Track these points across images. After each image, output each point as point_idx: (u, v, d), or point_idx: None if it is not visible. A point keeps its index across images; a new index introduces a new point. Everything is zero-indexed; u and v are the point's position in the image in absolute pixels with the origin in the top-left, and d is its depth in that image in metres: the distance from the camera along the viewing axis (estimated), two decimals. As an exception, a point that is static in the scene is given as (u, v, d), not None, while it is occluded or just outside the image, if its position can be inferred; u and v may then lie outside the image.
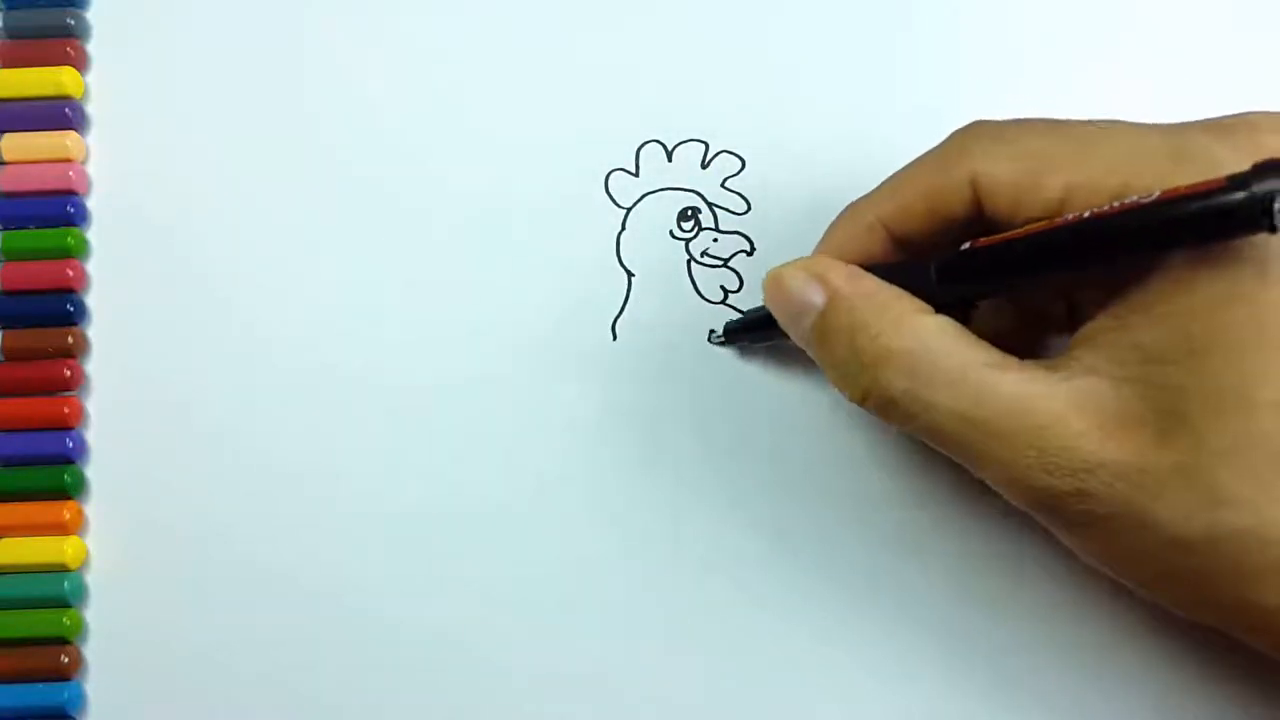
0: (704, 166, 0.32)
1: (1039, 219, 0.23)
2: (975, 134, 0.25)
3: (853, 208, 0.27)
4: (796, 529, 0.30)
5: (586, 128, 0.32)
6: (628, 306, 0.31)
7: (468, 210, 0.32)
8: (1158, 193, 0.21)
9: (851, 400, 0.25)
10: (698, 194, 0.32)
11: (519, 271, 0.31)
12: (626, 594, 0.30)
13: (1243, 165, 0.20)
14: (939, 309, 0.24)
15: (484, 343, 0.31)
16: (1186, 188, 0.20)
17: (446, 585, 0.30)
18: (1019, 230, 0.23)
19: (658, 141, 0.32)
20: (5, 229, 0.32)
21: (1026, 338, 0.28)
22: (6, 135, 0.32)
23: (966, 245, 0.24)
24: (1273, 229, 0.19)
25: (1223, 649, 0.28)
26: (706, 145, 0.32)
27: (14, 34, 0.33)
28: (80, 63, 0.33)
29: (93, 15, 0.33)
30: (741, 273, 0.31)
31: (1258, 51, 0.32)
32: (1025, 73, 0.32)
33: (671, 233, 0.32)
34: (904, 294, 0.25)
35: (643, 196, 0.32)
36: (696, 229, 0.31)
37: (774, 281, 0.26)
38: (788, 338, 0.27)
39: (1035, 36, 0.32)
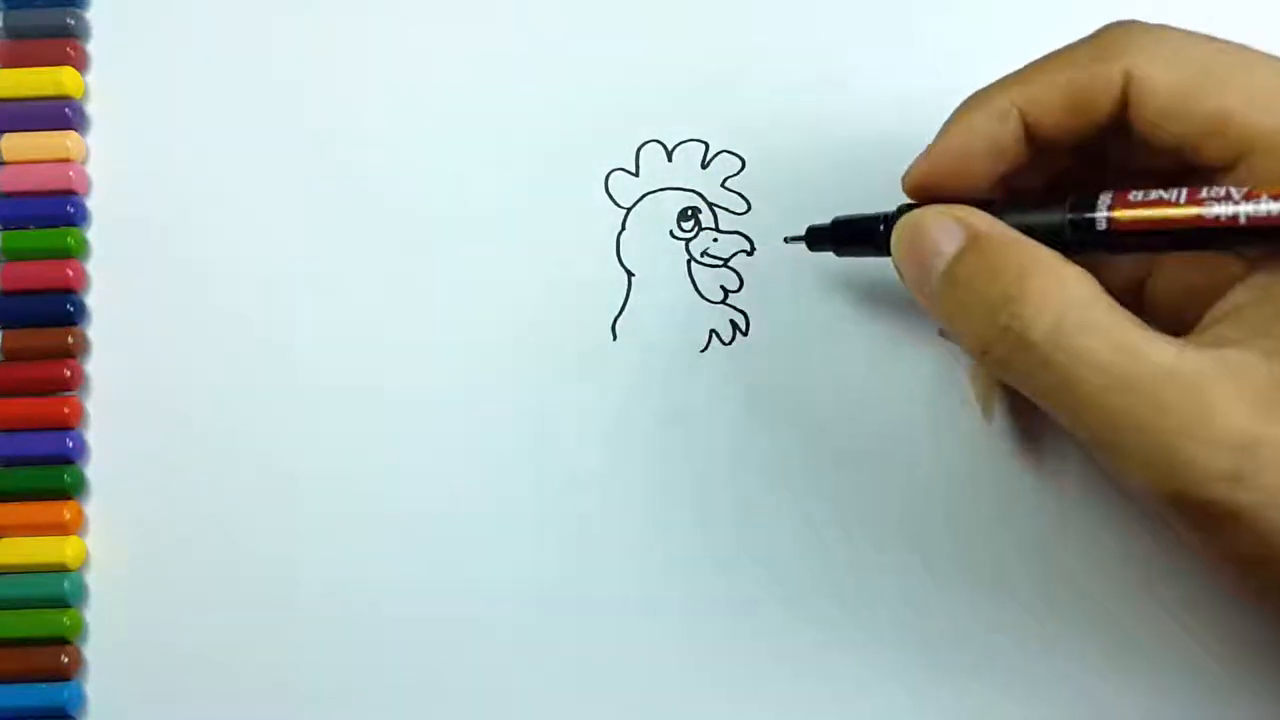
0: (704, 166, 0.32)
1: (1185, 139, 0.22)
2: (1134, 31, 0.23)
3: (983, 93, 0.25)
4: (796, 528, 0.30)
5: (586, 128, 0.32)
6: (628, 306, 0.31)
7: (468, 210, 0.32)
8: None
9: (977, 347, 0.23)
10: (698, 194, 0.32)
11: (519, 271, 0.31)
12: (625, 593, 0.30)
13: None
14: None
15: (484, 342, 0.31)
16: None
17: (447, 585, 0.30)
18: (1160, 216, 0.22)
19: (658, 141, 0.32)
20: (5, 229, 0.32)
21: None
22: (6, 135, 0.32)
23: (1105, 199, 0.23)
24: None
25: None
26: (706, 145, 0.32)
27: (14, 34, 0.33)
28: (80, 63, 0.33)
29: (93, 15, 0.33)
30: (741, 273, 0.31)
31: None
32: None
33: (671, 233, 0.32)
34: (1044, 246, 0.23)
35: (643, 196, 0.32)
36: (696, 229, 0.31)
37: (911, 225, 0.25)
38: (880, 253, 0.26)
39: (1034, 35, 0.32)
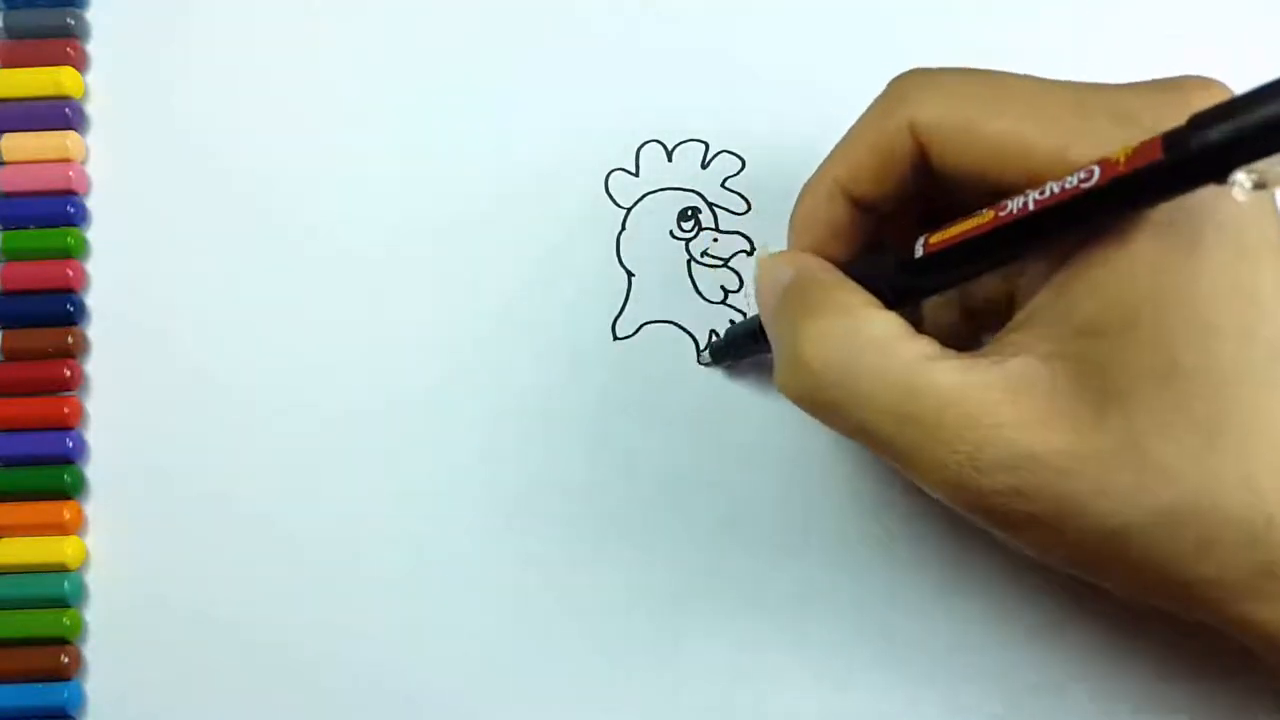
0: (704, 166, 0.32)
1: (978, 167, 0.23)
2: (911, 81, 0.24)
3: (810, 180, 0.26)
4: (796, 528, 0.30)
5: (586, 128, 0.32)
6: (628, 306, 0.31)
7: (468, 210, 0.32)
8: (1097, 172, 0.20)
9: (780, 387, 0.24)
10: (698, 194, 0.32)
11: (519, 271, 0.31)
12: (623, 592, 0.30)
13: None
14: (902, 307, 0.24)
15: (484, 342, 0.31)
16: (1125, 159, 0.19)
17: (447, 585, 0.30)
18: (966, 228, 0.23)
19: (658, 141, 0.32)
20: (5, 229, 0.32)
21: (974, 330, 0.28)
22: (6, 135, 0.32)
23: (923, 236, 0.24)
24: (1222, 179, 0.18)
25: (1181, 635, 0.29)
26: (706, 145, 0.32)
27: (14, 34, 0.33)
28: (80, 63, 0.33)
29: (93, 15, 0.33)
30: (741, 273, 0.31)
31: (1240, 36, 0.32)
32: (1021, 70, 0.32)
33: (671, 233, 0.32)
34: (859, 289, 0.24)
35: (643, 196, 0.32)
36: (696, 229, 0.31)
37: (761, 263, 0.26)
38: (765, 350, 0.27)
39: (1031, 34, 0.32)
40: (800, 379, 0.23)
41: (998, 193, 0.22)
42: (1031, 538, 0.22)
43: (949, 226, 0.23)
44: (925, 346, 0.22)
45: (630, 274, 0.31)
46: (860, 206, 0.25)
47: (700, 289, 0.31)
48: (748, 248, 0.31)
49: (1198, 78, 0.22)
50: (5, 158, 0.32)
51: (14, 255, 0.32)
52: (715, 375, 0.31)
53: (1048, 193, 0.21)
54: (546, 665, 0.30)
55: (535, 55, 0.33)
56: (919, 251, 0.24)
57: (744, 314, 0.31)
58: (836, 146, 0.26)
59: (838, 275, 0.24)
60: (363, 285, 0.32)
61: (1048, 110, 0.22)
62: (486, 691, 0.30)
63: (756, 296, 0.26)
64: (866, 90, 0.32)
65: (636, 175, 0.32)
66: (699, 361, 0.31)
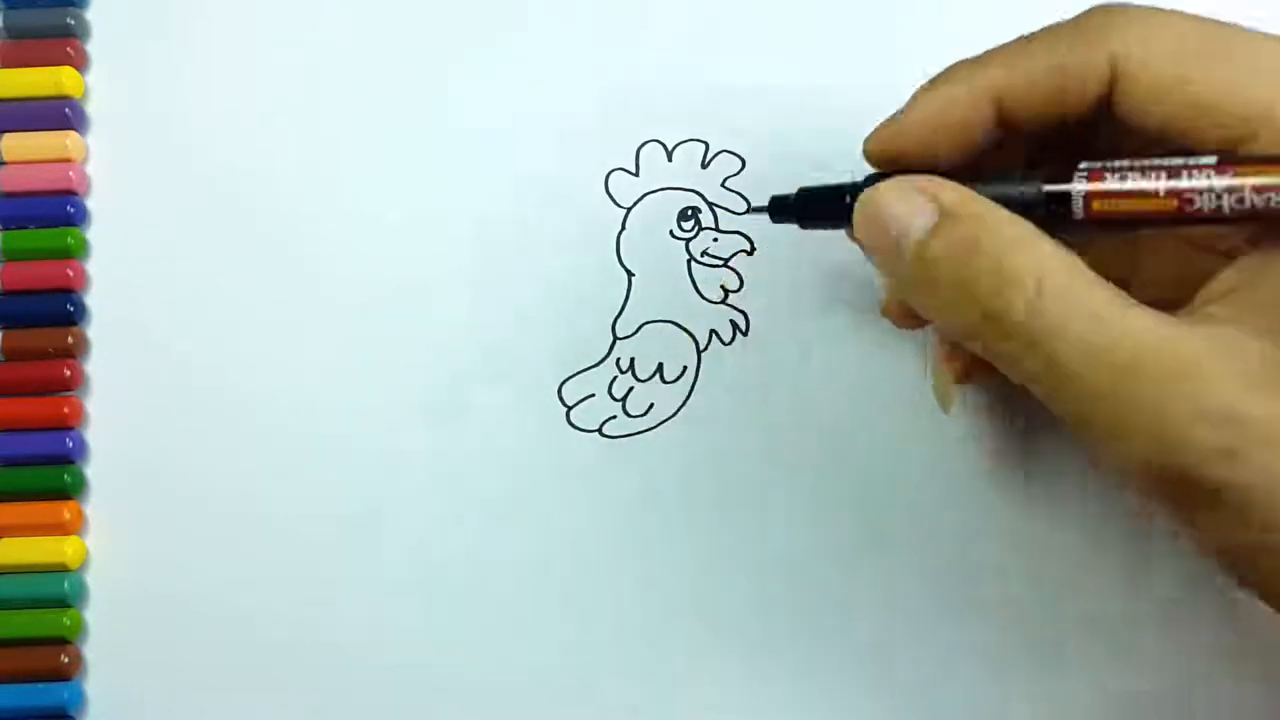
0: (704, 166, 0.32)
1: (1174, 117, 0.21)
2: (1121, 11, 0.22)
3: (959, 70, 0.24)
4: (795, 528, 0.30)
5: (586, 128, 0.32)
6: (628, 306, 0.31)
7: (467, 210, 0.32)
8: None
9: (956, 333, 0.22)
10: (698, 194, 0.32)
11: (519, 271, 0.31)
12: (622, 593, 0.30)
13: None
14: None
15: (484, 342, 0.31)
16: None
17: (446, 583, 0.30)
18: (1140, 207, 0.21)
19: (658, 141, 0.32)
20: (5, 229, 0.32)
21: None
22: (6, 135, 0.32)
23: (1081, 183, 0.22)
24: None
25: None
26: (706, 145, 0.32)
27: (14, 34, 0.33)
28: (80, 63, 0.33)
29: (93, 15, 0.33)
30: (741, 272, 0.31)
31: None
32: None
33: (671, 233, 0.32)
34: (1021, 219, 0.22)
35: (643, 196, 0.32)
36: (696, 229, 0.31)
37: (872, 201, 0.23)
38: (842, 225, 0.25)
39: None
40: (995, 318, 0.21)
41: (1177, 142, 0.21)
42: (1225, 516, 0.20)
43: (1116, 195, 0.21)
44: (1114, 289, 0.21)
45: (630, 274, 0.31)
46: (1003, 121, 0.23)
47: (700, 289, 0.31)
48: (748, 248, 0.31)
49: None
50: (5, 158, 0.32)
51: (14, 255, 0.32)
52: (716, 376, 0.31)
53: (1246, 204, 0.20)
54: (546, 666, 0.30)
55: (535, 55, 0.33)
56: (1078, 211, 0.22)
57: (744, 314, 0.31)
58: (1002, 49, 0.23)
59: (994, 205, 0.22)
60: (363, 284, 0.32)
61: (1260, 68, 0.21)
62: (486, 692, 0.30)
63: (872, 239, 0.23)
64: (867, 90, 0.32)
65: (636, 175, 0.32)
66: (749, 209, 0.29)
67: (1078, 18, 0.23)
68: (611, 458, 0.31)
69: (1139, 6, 0.22)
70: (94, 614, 0.31)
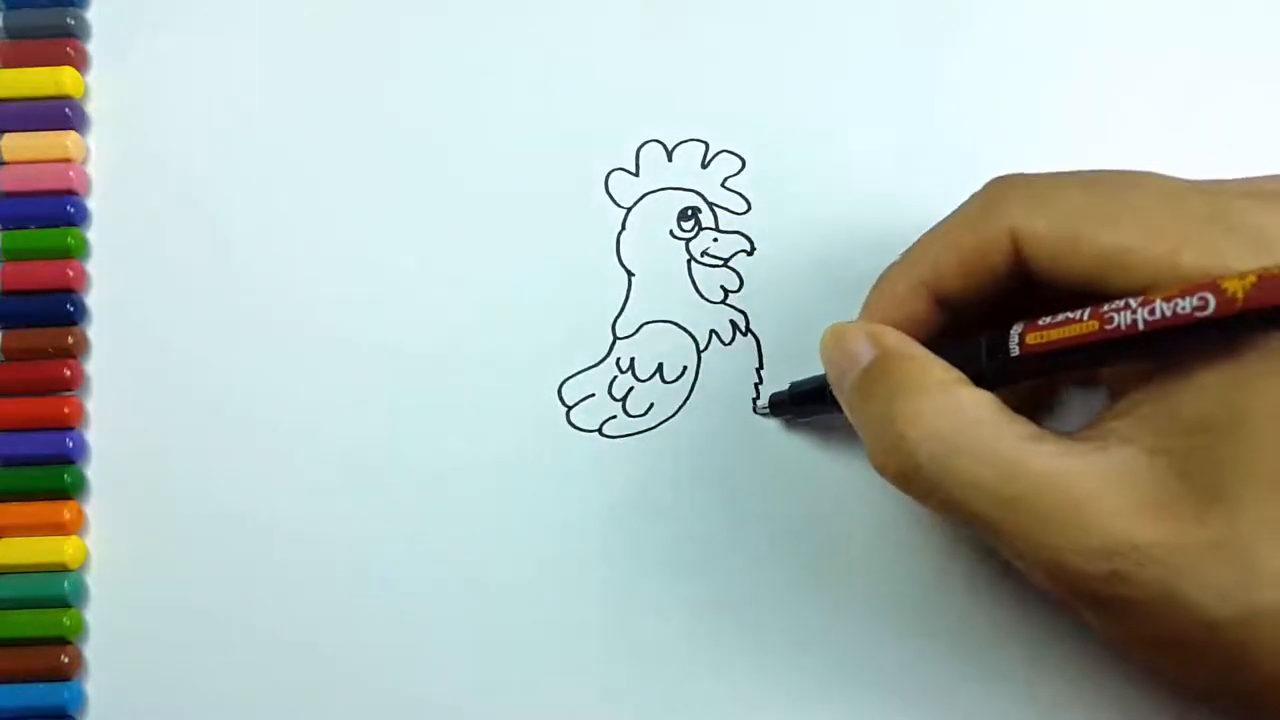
0: (704, 166, 0.32)
1: (1082, 276, 0.23)
2: (1011, 187, 0.24)
3: (890, 272, 0.26)
4: (795, 528, 0.30)
5: (586, 128, 0.32)
6: (628, 306, 0.31)
7: (467, 210, 0.32)
8: (1212, 302, 0.20)
9: (877, 466, 0.24)
10: (698, 194, 0.32)
11: (519, 271, 0.31)
12: (621, 594, 0.30)
13: None
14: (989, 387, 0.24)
15: (484, 342, 0.31)
16: (1244, 294, 0.20)
17: (446, 583, 0.30)
18: (1068, 334, 0.23)
19: (658, 141, 0.32)
20: (5, 229, 0.32)
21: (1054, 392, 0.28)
22: (6, 135, 0.32)
23: (1017, 328, 0.24)
24: None
25: None
26: (706, 145, 0.32)
27: (14, 34, 0.33)
28: (80, 63, 0.33)
29: (93, 15, 0.33)
30: (741, 273, 0.31)
31: None
32: (1022, 74, 0.32)
33: (671, 233, 0.32)
34: (949, 366, 0.24)
35: (643, 196, 0.32)
36: (696, 229, 0.31)
37: (833, 334, 0.26)
38: (831, 410, 0.27)
39: (1029, 34, 0.32)
40: (900, 458, 0.23)
41: (1097, 296, 0.22)
42: (1121, 622, 0.22)
43: (1046, 327, 0.23)
44: (1024, 427, 0.23)
45: (630, 274, 0.31)
46: (943, 304, 0.25)
47: (700, 289, 0.31)
48: (748, 248, 0.31)
49: None
50: (5, 158, 0.32)
51: (14, 255, 0.32)
52: (716, 376, 0.31)
53: (1158, 314, 0.21)
54: (546, 666, 0.30)
55: (535, 55, 0.33)
56: (1014, 349, 0.24)
57: (744, 314, 0.31)
58: (922, 241, 0.26)
59: (926, 351, 0.25)
60: (362, 284, 0.32)
61: (1156, 220, 0.22)
62: (487, 693, 0.30)
63: (827, 367, 0.26)
64: (867, 90, 0.32)
65: (636, 175, 0.32)
66: (755, 411, 0.30)
67: (980, 193, 0.25)
68: (611, 458, 0.31)
69: (1030, 177, 0.24)
70: (94, 614, 0.31)
